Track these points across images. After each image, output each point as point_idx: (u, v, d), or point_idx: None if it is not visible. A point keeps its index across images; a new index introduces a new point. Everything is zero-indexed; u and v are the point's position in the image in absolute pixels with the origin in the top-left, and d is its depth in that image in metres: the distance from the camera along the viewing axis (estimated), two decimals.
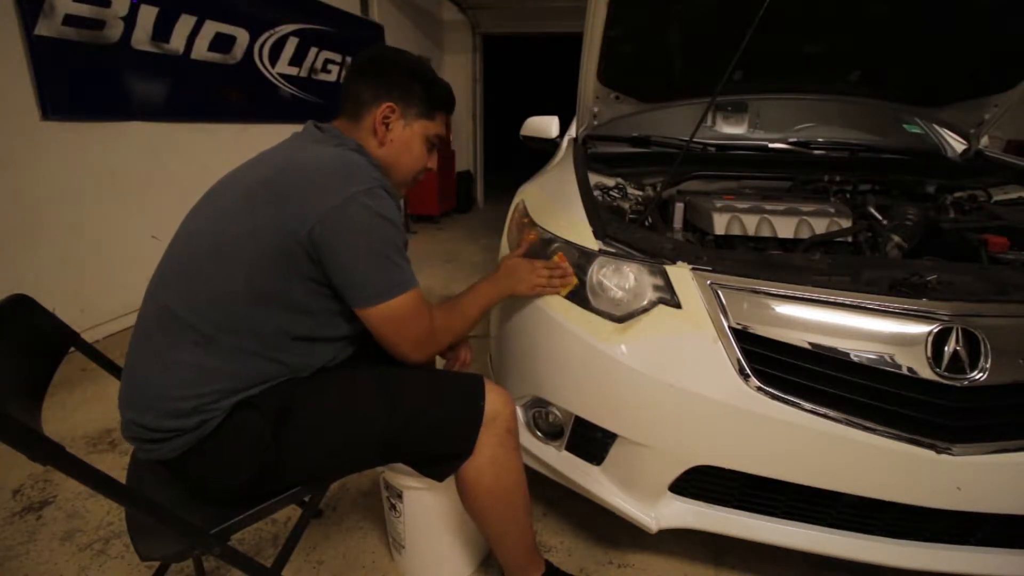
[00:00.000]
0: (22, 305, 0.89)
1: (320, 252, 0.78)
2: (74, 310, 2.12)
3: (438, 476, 0.91)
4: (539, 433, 1.25)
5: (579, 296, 1.13)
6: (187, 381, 0.79)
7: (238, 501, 0.83)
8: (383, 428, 0.86)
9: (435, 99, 0.96)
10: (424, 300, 0.88)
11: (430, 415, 0.88)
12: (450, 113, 1.02)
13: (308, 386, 0.86)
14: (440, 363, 1.16)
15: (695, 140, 1.76)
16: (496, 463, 0.91)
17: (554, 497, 1.42)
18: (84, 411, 1.84)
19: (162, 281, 0.84)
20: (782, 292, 1.00)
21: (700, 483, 1.08)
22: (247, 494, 0.84)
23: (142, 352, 0.83)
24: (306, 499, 0.92)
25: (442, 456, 0.90)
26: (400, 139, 0.94)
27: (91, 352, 0.99)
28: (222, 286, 0.79)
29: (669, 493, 1.09)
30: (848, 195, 1.59)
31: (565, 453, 1.20)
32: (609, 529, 1.30)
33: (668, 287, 1.07)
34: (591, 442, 1.16)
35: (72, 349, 0.96)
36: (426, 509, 1.12)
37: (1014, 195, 1.56)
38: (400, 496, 1.12)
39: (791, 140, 1.91)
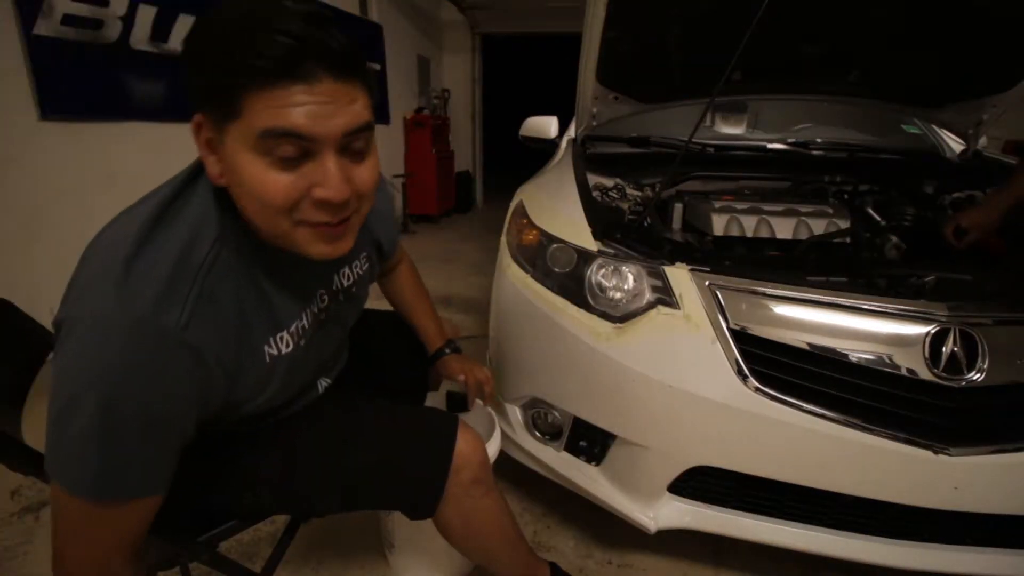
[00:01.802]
0: (1, 310, 0.86)
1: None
2: None
3: (411, 517, 0.83)
4: (538, 433, 1.25)
5: (578, 297, 1.13)
6: None
7: (203, 520, 0.79)
8: (335, 489, 0.78)
9: (215, 77, 0.52)
10: (99, 522, 0.57)
11: (388, 476, 0.78)
12: (272, 78, 0.50)
13: (249, 437, 0.76)
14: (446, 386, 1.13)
15: (694, 141, 1.76)
16: (462, 513, 0.83)
17: (554, 497, 1.42)
18: None
19: None
20: (780, 293, 1.00)
21: (699, 484, 1.08)
22: (204, 520, 0.79)
23: None
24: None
25: (403, 510, 0.84)
26: (227, 168, 0.56)
27: None
28: None
29: (668, 494, 1.09)
30: (847, 196, 1.60)
31: (564, 453, 1.20)
32: (609, 529, 1.30)
33: (667, 288, 1.07)
34: (590, 443, 1.16)
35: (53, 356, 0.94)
36: None
37: None
38: None
39: (790, 141, 1.91)
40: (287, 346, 0.70)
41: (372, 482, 0.79)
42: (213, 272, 0.58)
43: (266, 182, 0.54)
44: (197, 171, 0.62)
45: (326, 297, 0.77)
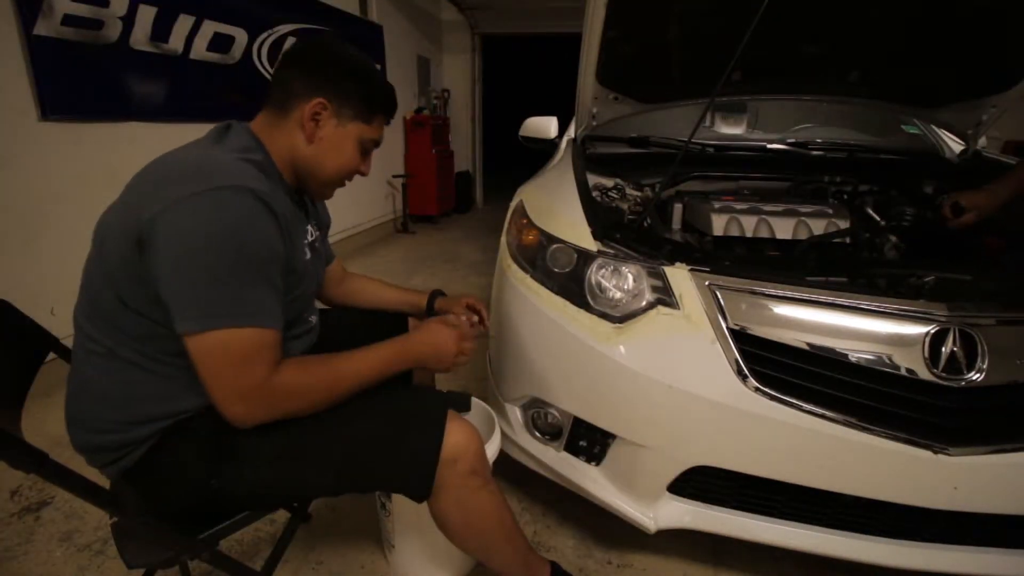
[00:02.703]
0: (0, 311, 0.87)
1: (146, 259, 0.69)
2: (72, 311, 2.10)
3: (412, 498, 0.85)
4: (538, 433, 1.25)
5: (578, 297, 1.13)
6: (104, 400, 0.77)
7: (202, 517, 0.81)
8: (331, 463, 0.81)
9: (374, 101, 0.88)
10: (269, 346, 0.73)
11: (381, 455, 0.81)
12: (389, 117, 0.93)
13: None
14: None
15: (694, 141, 1.76)
16: (460, 504, 0.86)
17: (553, 497, 1.42)
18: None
19: (79, 293, 0.81)
20: (780, 293, 1.00)
21: (698, 483, 1.08)
22: (205, 513, 0.81)
23: (72, 365, 0.82)
24: (295, 503, 0.92)
25: (400, 490, 0.85)
26: (331, 138, 0.86)
27: (70, 357, 0.98)
28: (104, 295, 0.75)
29: (667, 493, 1.09)
30: (846, 196, 1.60)
31: (564, 453, 1.20)
32: (609, 529, 1.31)
33: (667, 288, 1.07)
34: (590, 443, 1.16)
35: (52, 356, 0.94)
36: (416, 509, 1.10)
37: None
38: (390, 495, 1.11)
39: (790, 141, 1.92)
40: (307, 255, 0.89)
41: (366, 454, 0.81)
42: (268, 172, 0.80)
43: (355, 158, 0.90)
44: (223, 129, 0.83)
45: (308, 237, 0.95)
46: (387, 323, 1.15)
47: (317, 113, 0.83)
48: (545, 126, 2.14)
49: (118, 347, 0.76)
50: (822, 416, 0.94)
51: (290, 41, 3.42)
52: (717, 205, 1.37)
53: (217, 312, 0.69)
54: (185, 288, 0.68)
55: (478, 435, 0.87)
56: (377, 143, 0.93)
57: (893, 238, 1.27)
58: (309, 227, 0.95)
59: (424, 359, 0.90)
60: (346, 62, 0.86)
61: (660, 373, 1.01)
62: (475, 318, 1.13)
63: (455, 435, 0.83)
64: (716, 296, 1.03)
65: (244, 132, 0.83)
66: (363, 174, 0.94)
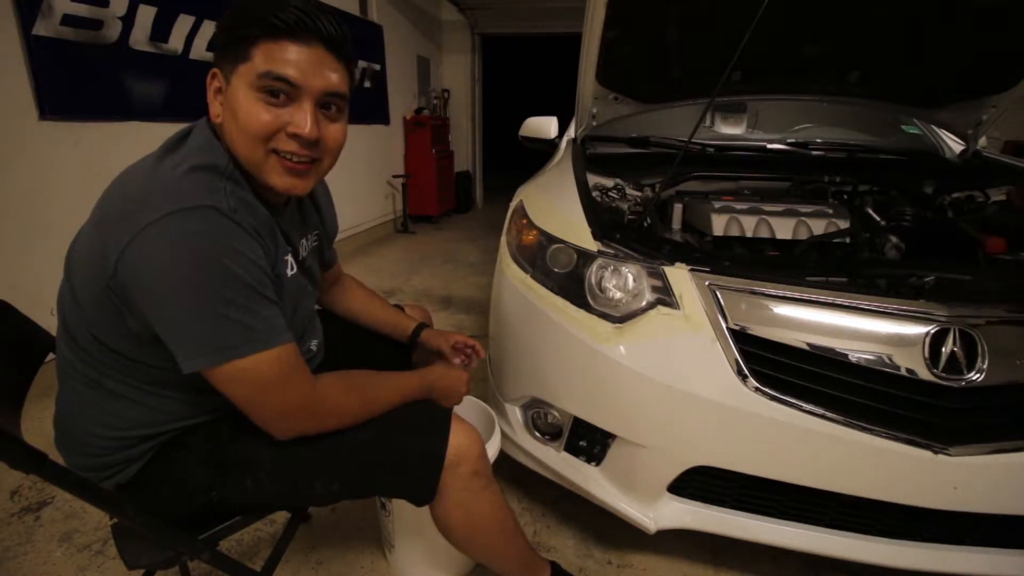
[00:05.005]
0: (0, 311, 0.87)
1: (123, 300, 0.64)
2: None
3: (414, 503, 0.85)
4: (538, 434, 1.25)
5: (578, 297, 1.13)
6: (92, 423, 0.76)
7: (201, 520, 0.81)
8: (336, 472, 0.80)
9: (238, 30, 0.66)
10: (295, 362, 0.70)
11: (385, 458, 0.81)
12: (281, 34, 0.65)
13: (245, 423, 0.74)
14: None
15: (694, 141, 1.76)
16: (462, 507, 0.85)
17: (553, 497, 1.42)
18: None
19: (58, 319, 0.77)
20: (780, 293, 1.00)
21: (698, 484, 1.08)
22: (205, 519, 0.81)
23: (59, 385, 0.79)
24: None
25: (404, 496, 0.85)
26: (226, 106, 0.69)
27: None
28: (80, 330, 0.72)
29: (667, 494, 1.09)
30: (846, 196, 1.60)
31: (564, 454, 1.20)
32: (609, 529, 1.31)
33: (667, 288, 1.07)
34: (590, 443, 1.16)
35: (52, 356, 0.95)
36: (416, 509, 1.11)
37: None
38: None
39: (789, 141, 1.92)
40: (292, 269, 0.81)
41: (370, 461, 0.80)
42: (233, 177, 0.69)
43: (252, 113, 0.67)
44: (186, 132, 0.72)
45: (298, 251, 0.85)
46: (389, 348, 1.14)
47: (217, 89, 0.70)
48: (545, 126, 2.14)
49: (103, 379, 0.74)
50: (822, 416, 0.94)
51: None
52: (717, 205, 1.37)
53: (229, 343, 0.64)
54: (180, 326, 0.63)
55: (479, 437, 0.87)
56: (279, 77, 0.66)
57: (893, 238, 1.27)
58: (305, 240, 0.89)
59: (438, 395, 0.92)
60: (228, 10, 0.69)
61: (660, 373, 1.01)
62: (468, 359, 1.11)
63: (457, 437, 0.83)
64: (716, 296, 1.03)
65: (204, 130, 0.72)
66: (291, 133, 0.68)
